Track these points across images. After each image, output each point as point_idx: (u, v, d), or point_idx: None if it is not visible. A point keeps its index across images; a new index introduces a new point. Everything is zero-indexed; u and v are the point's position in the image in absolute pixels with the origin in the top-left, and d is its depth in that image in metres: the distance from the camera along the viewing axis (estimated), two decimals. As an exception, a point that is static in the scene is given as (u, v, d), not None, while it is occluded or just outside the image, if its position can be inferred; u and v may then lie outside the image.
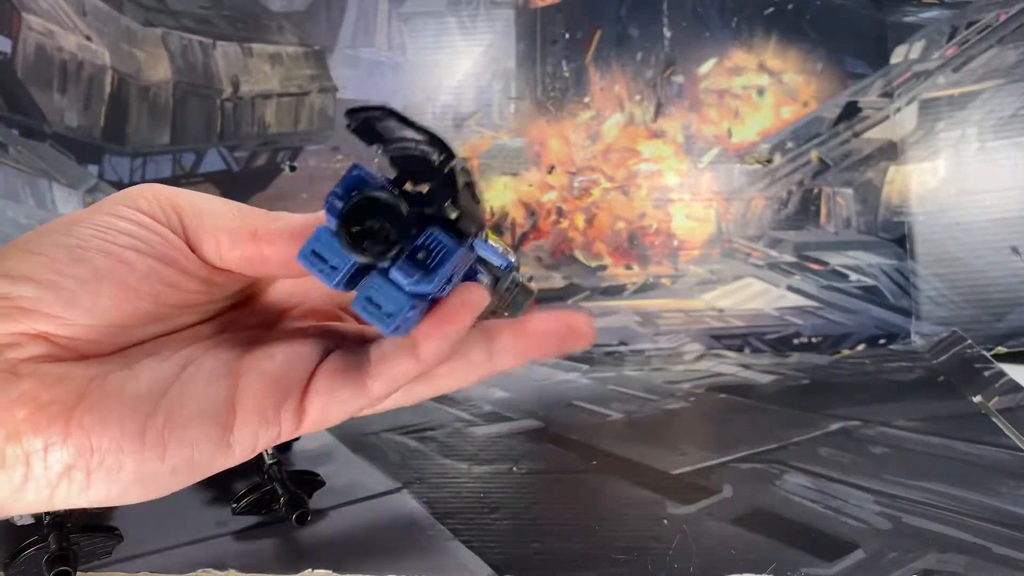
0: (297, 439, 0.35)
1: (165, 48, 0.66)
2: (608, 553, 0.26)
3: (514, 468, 0.34)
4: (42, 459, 0.15)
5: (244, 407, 0.17)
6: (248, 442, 0.17)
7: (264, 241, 0.17)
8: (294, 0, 0.67)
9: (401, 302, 0.16)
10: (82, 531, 0.24)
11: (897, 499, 0.30)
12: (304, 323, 0.21)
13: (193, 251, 0.18)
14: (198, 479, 0.17)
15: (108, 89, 0.63)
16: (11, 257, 0.17)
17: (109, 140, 0.63)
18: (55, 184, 0.61)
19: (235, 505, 0.28)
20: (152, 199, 0.18)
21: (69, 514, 0.25)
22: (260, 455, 0.30)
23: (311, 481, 0.30)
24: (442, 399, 0.46)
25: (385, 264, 0.15)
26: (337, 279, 0.16)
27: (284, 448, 0.34)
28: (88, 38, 0.62)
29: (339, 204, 0.15)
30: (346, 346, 0.19)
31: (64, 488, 0.15)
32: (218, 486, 0.32)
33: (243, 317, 0.20)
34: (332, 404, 0.18)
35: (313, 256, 0.16)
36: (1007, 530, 0.27)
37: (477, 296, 0.17)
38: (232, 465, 0.17)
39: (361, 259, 0.15)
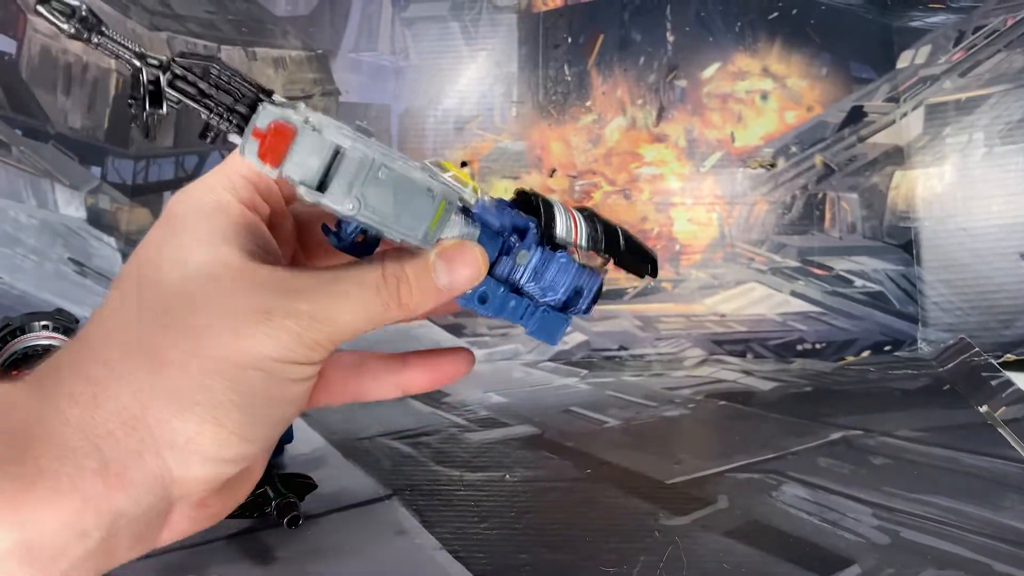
0: (290, 441, 0.35)
1: (170, 52, 0.66)
2: (597, 565, 0.26)
3: (507, 476, 0.34)
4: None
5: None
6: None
7: (407, 306, 0.19)
8: (298, 4, 0.67)
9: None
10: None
11: (896, 512, 0.29)
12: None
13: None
14: None
15: (112, 92, 0.64)
16: (197, 421, 0.17)
17: (112, 142, 0.64)
18: (57, 184, 0.61)
19: (225, 510, 0.28)
20: (308, 348, 0.17)
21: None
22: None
23: (303, 484, 0.30)
24: (439, 403, 0.46)
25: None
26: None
27: (277, 452, 0.34)
28: (93, 41, 0.63)
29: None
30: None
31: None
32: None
33: None
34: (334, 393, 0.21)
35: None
36: (1009, 547, 0.27)
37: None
38: None
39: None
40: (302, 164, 0.16)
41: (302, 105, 0.18)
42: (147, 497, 0.16)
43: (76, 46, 0.62)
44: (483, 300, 0.20)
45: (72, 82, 0.62)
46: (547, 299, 0.21)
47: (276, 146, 0.16)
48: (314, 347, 0.17)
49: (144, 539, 0.17)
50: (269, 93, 0.17)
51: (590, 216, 0.21)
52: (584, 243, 0.21)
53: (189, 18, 0.67)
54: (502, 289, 0.20)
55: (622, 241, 0.21)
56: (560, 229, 0.21)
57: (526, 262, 0.20)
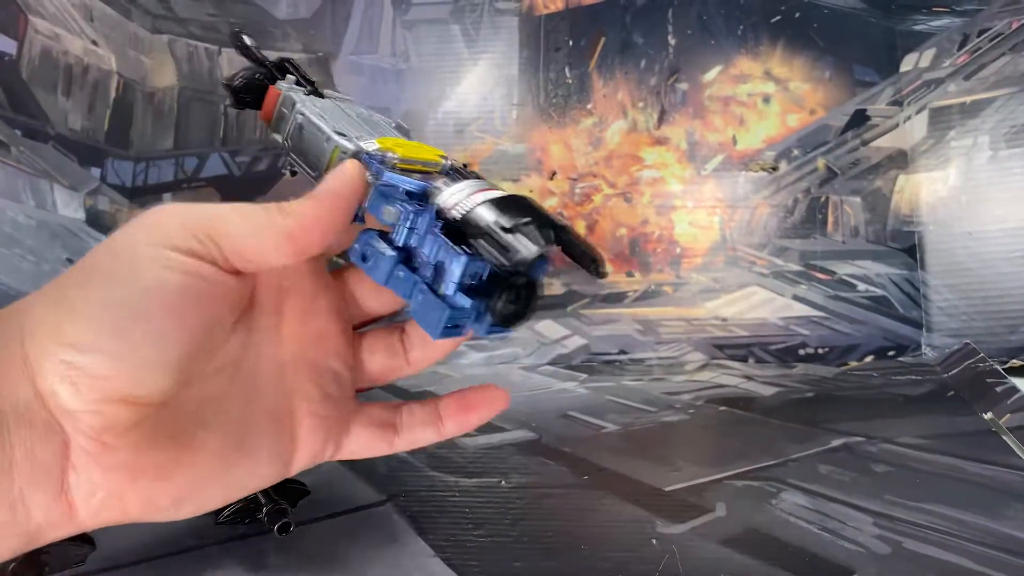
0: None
1: (171, 54, 0.66)
2: (591, 573, 0.25)
3: (502, 482, 0.33)
4: (140, 508, 0.18)
5: (302, 446, 0.21)
6: (301, 466, 0.22)
7: (301, 239, 0.19)
8: (299, 7, 0.67)
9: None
10: (54, 538, 0.24)
11: (898, 522, 0.29)
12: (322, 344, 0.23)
13: (232, 269, 0.19)
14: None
15: (113, 94, 0.64)
16: (69, 320, 0.17)
17: (112, 144, 0.64)
18: (56, 185, 0.61)
19: (218, 514, 0.28)
20: (187, 233, 0.18)
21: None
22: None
23: (296, 490, 0.30)
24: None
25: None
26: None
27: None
28: (95, 43, 0.63)
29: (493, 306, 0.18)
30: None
31: (156, 517, 0.19)
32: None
33: (260, 309, 0.22)
34: (363, 450, 0.23)
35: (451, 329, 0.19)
36: (1014, 558, 0.26)
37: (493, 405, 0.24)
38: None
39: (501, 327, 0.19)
40: (272, 113, 0.22)
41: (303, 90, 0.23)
42: (13, 414, 0.16)
43: (77, 47, 0.62)
44: (364, 258, 0.19)
45: (73, 83, 0.62)
46: (424, 275, 0.19)
47: (268, 104, 0.22)
48: (192, 234, 0.18)
49: (43, 478, 0.16)
50: (311, 83, 0.23)
51: (528, 205, 0.19)
52: (481, 223, 0.18)
53: (191, 21, 0.67)
54: (390, 254, 0.19)
55: (544, 231, 0.18)
56: (444, 196, 0.19)
57: (396, 221, 0.19)
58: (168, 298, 0.17)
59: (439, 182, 0.20)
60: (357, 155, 0.20)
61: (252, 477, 0.20)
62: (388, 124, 0.24)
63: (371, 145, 0.20)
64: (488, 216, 0.18)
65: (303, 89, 0.23)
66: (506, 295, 0.18)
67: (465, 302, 0.18)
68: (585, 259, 0.19)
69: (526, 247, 0.17)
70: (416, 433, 0.23)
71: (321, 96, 0.24)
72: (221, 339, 0.20)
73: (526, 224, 0.17)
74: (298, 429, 0.21)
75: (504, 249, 0.17)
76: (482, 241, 0.17)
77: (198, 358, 0.19)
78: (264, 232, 0.18)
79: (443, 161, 0.21)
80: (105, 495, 0.17)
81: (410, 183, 0.19)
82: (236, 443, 0.20)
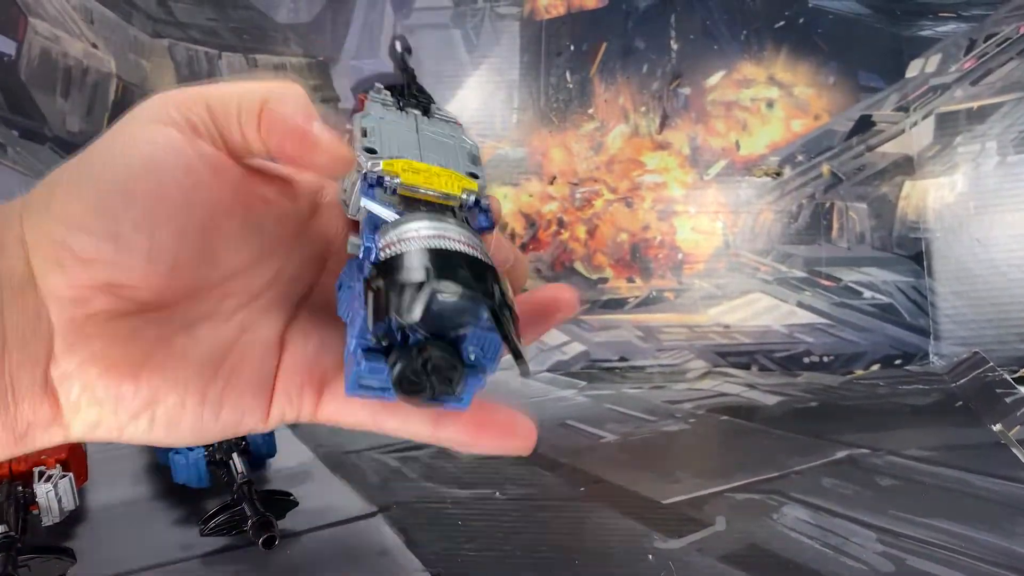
0: (272, 456, 0.34)
1: (171, 58, 0.66)
2: (586, 590, 0.25)
3: (497, 493, 0.32)
4: (113, 409, 0.17)
5: (281, 386, 0.19)
6: (277, 416, 0.19)
7: (273, 115, 0.17)
8: (300, 12, 0.67)
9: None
10: (34, 551, 0.24)
11: (902, 537, 0.28)
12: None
13: (231, 153, 0.18)
14: (238, 435, 0.19)
15: (112, 96, 0.64)
16: (57, 198, 0.16)
17: (112, 148, 0.64)
18: (54, 192, 0.61)
19: (203, 526, 0.27)
20: (184, 109, 0.17)
21: (22, 533, 0.24)
22: (231, 474, 0.29)
23: (283, 502, 0.29)
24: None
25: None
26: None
27: (259, 466, 0.33)
28: (95, 45, 0.63)
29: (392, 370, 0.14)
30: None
31: (131, 429, 0.17)
32: (188, 505, 0.31)
33: (289, 264, 0.20)
34: (343, 415, 0.19)
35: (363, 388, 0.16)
36: (1023, 576, 0.25)
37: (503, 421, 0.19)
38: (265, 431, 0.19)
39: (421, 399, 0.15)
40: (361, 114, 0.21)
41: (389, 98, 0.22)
42: None
43: (77, 49, 0.62)
44: (339, 286, 0.17)
45: (71, 85, 0.62)
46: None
47: (355, 111, 0.21)
48: (189, 107, 0.17)
49: (30, 366, 0.16)
50: (413, 96, 0.23)
51: (478, 271, 0.15)
52: (397, 272, 0.14)
53: (191, 25, 0.67)
54: (356, 275, 0.16)
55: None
56: (397, 232, 0.15)
57: (358, 255, 0.16)
58: (161, 178, 0.16)
59: (421, 219, 0.16)
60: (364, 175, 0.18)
61: (228, 407, 0.18)
62: (463, 150, 0.21)
63: (376, 165, 0.18)
64: (410, 263, 0.15)
65: (392, 100, 0.21)
66: (401, 359, 0.14)
67: (364, 361, 0.15)
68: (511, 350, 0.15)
69: (407, 309, 0.14)
70: (410, 418, 0.19)
71: (424, 112, 0.21)
72: (224, 244, 0.18)
73: (445, 285, 0.14)
74: (282, 365, 0.19)
75: (387, 304, 0.14)
76: (375, 288, 0.15)
77: (197, 258, 0.17)
78: (245, 95, 0.17)
79: (464, 196, 0.18)
80: (80, 390, 0.16)
81: (380, 213, 0.17)
82: (219, 362, 0.18)
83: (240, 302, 0.19)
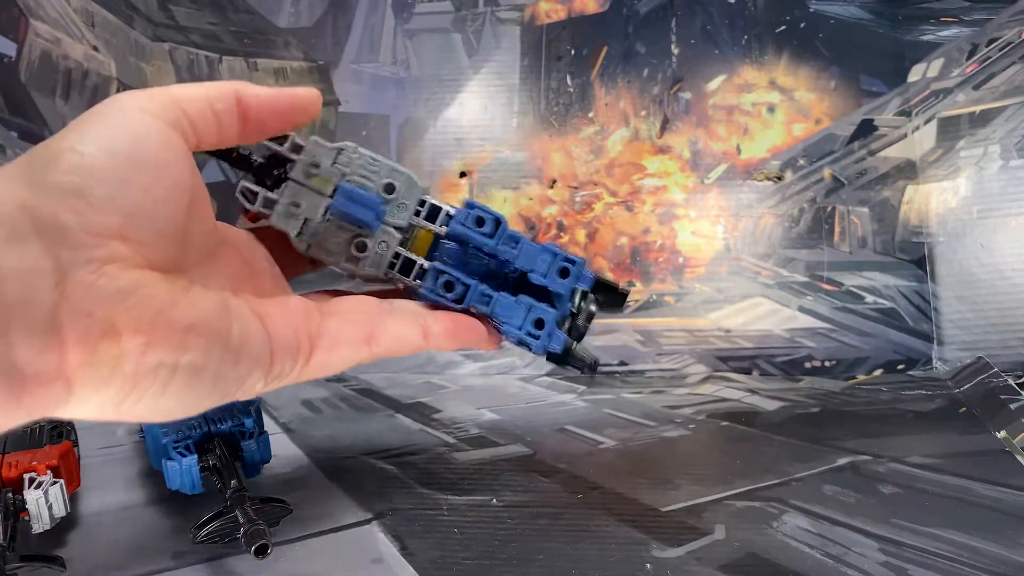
0: (267, 462, 0.33)
1: (172, 62, 0.66)
2: (582, 600, 0.24)
3: (494, 500, 0.32)
4: (135, 357, 0.17)
5: (278, 349, 0.20)
6: (277, 379, 0.21)
7: (257, 98, 0.20)
8: (300, 16, 0.67)
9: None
10: (23, 559, 0.23)
11: (905, 547, 0.28)
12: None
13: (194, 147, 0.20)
14: (244, 399, 0.20)
15: (113, 101, 0.64)
16: (68, 154, 0.17)
17: (112, 152, 0.64)
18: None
19: (195, 533, 0.27)
20: (156, 105, 0.19)
21: (11, 541, 0.24)
22: (223, 480, 0.29)
23: (276, 509, 0.29)
24: (429, 420, 0.44)
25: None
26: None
27: (253, 472, 0.33)
28: (95, 48, 0.63)
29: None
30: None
31: (146, 383, 0.17)
32: (182, 514, 0.30)
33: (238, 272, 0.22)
34: (332, 360, 0.22)
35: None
36: (1029, 588, 0.25)
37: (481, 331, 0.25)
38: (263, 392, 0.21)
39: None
40: None
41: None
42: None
43: (78, 52, 0.62)
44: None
45: (72, 88, 0.62)
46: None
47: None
48: (162, 104, 0.19)
49: (28, 311, 0.15)
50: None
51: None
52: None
53: (192, 29, 0.67)
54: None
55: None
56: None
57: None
58: (161, 156, 0.18)
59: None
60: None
61: (245, 361, 0.19)
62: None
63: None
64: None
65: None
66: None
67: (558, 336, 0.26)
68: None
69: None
70: (401, 330, 0.23)
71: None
72: (200, 219, 0.20)
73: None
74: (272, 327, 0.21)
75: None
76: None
77: (192, 228, 0.19)
78: (212, 92, 0.20)
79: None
80: (94, 323, 0.16)
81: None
82: (226, 299, 0.19)
83: (215, 283, 0.20)
